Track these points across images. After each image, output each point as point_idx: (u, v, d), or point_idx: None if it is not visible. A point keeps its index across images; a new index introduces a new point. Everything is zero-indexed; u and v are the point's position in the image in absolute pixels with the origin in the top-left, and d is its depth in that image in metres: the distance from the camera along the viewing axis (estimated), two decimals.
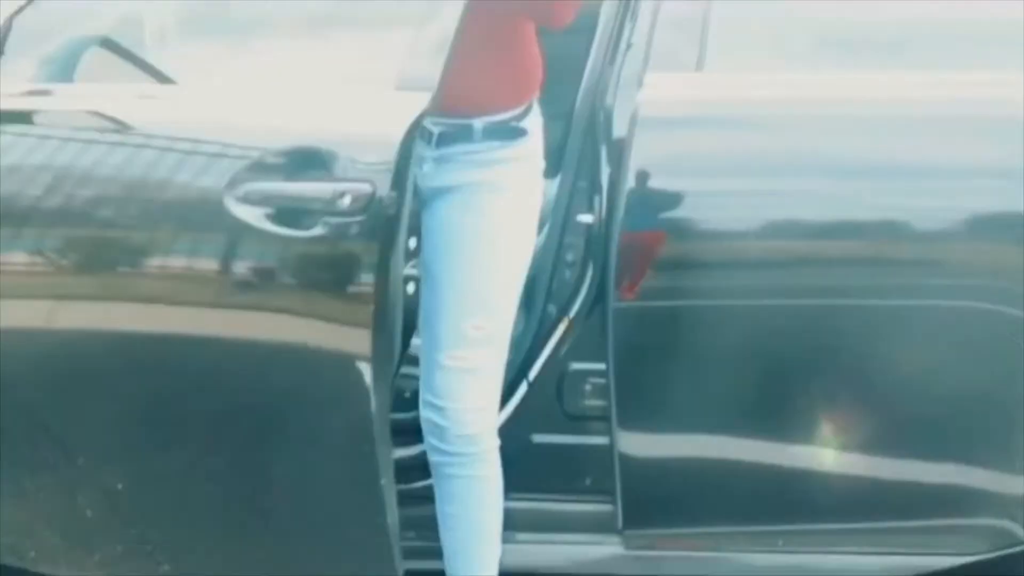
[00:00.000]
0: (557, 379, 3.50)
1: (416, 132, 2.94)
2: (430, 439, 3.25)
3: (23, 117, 3.14)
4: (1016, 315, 3.15)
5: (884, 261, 3.19)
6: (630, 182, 3.20)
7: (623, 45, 3.42)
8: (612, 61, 3.44)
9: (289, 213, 2.92)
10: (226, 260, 2.99)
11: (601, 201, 3.34)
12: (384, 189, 2.87)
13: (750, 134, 3.22)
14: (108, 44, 3.30)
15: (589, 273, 3.43)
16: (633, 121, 3.22)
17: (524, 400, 3.44)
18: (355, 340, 2.91)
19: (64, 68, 3.23)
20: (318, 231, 2.91)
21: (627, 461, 3.29)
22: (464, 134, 3.21)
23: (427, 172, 3.22)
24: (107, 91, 3.18)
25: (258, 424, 3.03)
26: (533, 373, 3.47)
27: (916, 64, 3.27)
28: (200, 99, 3.16)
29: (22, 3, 3.32)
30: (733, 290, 3.21)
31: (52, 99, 3.18)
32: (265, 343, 2.97)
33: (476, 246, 3.19)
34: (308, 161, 2.94)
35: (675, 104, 3.25)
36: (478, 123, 3.20)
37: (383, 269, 2.88)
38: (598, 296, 3.38)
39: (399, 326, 2.98)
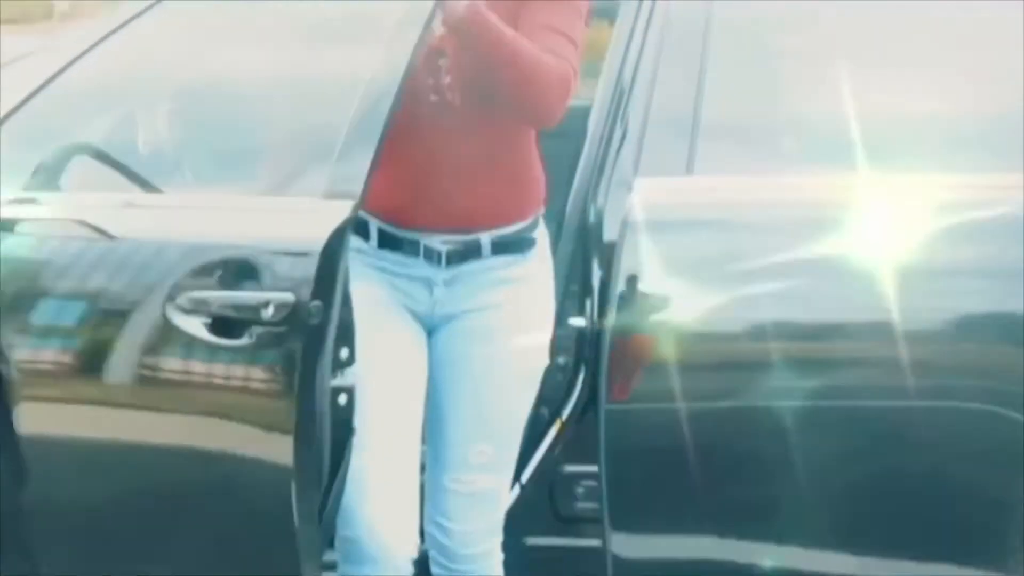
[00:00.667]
0: (550, 481, 3.50)
1: (345, 240, 2.90)
2: (434, 553, 3.23)
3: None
4: (1015, 418, 3.16)
5: (877, 362, 3.21)
6: (621, 285, 3.22)
7: (613, 148, 3.44)
8: (603, 164, 3.46)
9: (220, 322, 2.94)
10: (166, 366, 3.01)
11: (593, 304, 3.36)
12: (307, 298, 2.87)
13: (740, 237, 3.24)
14: (95, 152, 3.32)
15: (581, 376, 3.44)
16: (624, 224, 3.24)
17: (517, 502, 3.44)
18: (278, 450, 2.91)
19: (52, 176, 3.26)
20: (246, 340, 2.92)
21: (620, 563, 3.28)
22: (473, 250, 3.11)
23: (439, 298, 3.12)
24: (76, 200, 3.21)
25: (181, 529, 3.06)
26: (526, 476, 3.47)
27: (905, 165, 3.30)
28: (154, 208, 3.22)
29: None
30: (725, 392, 3.22)
31: (26, 208, 3.21)
32: (195, 450, 3.00)
33: (486, 376, 3.13)
34: (237, 271, 2.96)
35: (665, 208, 3.28)
36: (486, 237, 3.11)
37: (307, 379, 2.88)
38: (590, 398, 3.39)
39: (327, 437, 2.94)
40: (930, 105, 3.46)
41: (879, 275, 3.20)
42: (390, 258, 3.11)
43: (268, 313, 2.88)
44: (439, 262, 3.10)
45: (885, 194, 3.27)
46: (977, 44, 3.51)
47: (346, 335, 2.93)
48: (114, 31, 3.48)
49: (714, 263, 3.22)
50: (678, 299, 3.22)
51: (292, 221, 2.95)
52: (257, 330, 2.91)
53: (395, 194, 3.06)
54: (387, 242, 3.10)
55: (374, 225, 3.09)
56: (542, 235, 3.20)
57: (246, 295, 2.91)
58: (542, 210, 3.19)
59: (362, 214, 3.02)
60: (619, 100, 3.46)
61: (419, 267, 3.10)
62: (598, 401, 3.26)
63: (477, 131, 3.05)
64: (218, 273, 2.97)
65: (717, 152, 3.34)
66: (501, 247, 3.12)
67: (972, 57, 3.49)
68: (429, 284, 3.11)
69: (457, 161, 3.03)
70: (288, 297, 2.87)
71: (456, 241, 3.10)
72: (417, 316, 3.13)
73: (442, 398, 3.15)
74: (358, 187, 2.87)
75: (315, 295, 2.86)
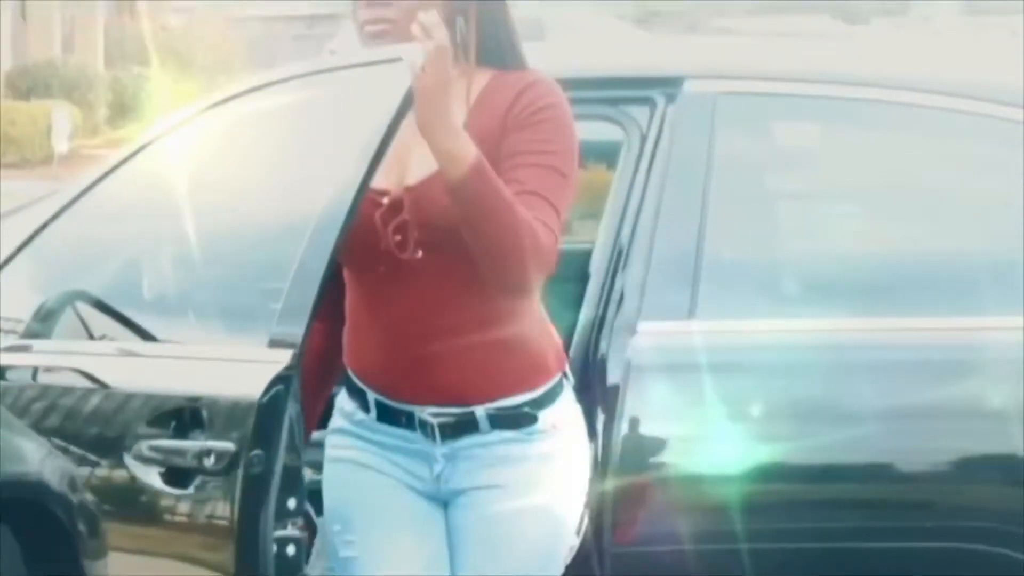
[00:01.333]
0: None
1: (289, 389, 2.83)
2: None
3: None
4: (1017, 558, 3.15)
5: (879, 503, 3.20)
6: (624, 429, 3.21)
7: (616, 293, 3.45)
8: (605, 307, 3.47)
9: (170, 471, 2.96)
10: (123, 509, 3.07)
11: (597, 448, 3.35)
12: (247, 448, 2.84)
13: (743, 381, 3.25)
14: (91, 300, 3.33)
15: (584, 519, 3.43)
16: (627, 368, 3.24)
17: None
18: None
19: (48, 323, 3.28)
20: (191, 490, 2.93)
21: None
22: (468, 425, 2.86)
23: (441, 474, 2.89)
24: (58, 348, 3.27)
25: None
26: None
27: (905, 310, 3.31)
28: (115, 357, 3.24)
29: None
30: (728, 534, 3.20)
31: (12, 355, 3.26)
32: None
33: (496, 560, 2.89)
34: (187, 420, 2.96)
35: (668, 351, 3.28)
36: (481, 411, 2.85)
37: (250, 529, 2.85)
38: (595, 542, 3.37)
39: None
40: (932, 246, 3.49)
41: (881, 417, 3.20)
42: (389, 431, 2.93)
43: (210, 462, 2.87)
44: (433, 438, 2.88)
45: (886, 336, 3.27)
46: (978, 180, 3.54)
47: (293, 484, 2.87)
48: (113, 169, 3.52)
49: (717, 407, 3.21)
50: (681, 443, 3.22)
51: (234, 370, 2.93)
52: (203, 479, 2.90)
53: (381, 362, 2.89)
54: (384, 414, 2.92)
55: (371, 396, 2.93)
56: (565, 407, 2.93)
57: (188, 444, 2.91)
58: (556, 379, 2.93)
59: (360, 383, 2.96)
60: (621, 243, 3.47)
61: (418, 441, 2.90)
62: (602, 544, 3.24)
63: (460, 291, 2.82)
64: (171, 423, 2.97)
65: (719, 295, 3.35)
66: (501, 422, 2.86)
67: (975, 194, 3.52)
68: (428, 459, 2.90)
69: (440, 325, 2.82)
70: (228, 446, 2.86)
71: (449, 414, 2.86)
72: (422, 493, 2.93)
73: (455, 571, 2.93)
74: (299, 334, 2.81)
75: (255, 444, 2.83)
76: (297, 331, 2.81)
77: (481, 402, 2.84)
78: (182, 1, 28.15)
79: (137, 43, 23.48)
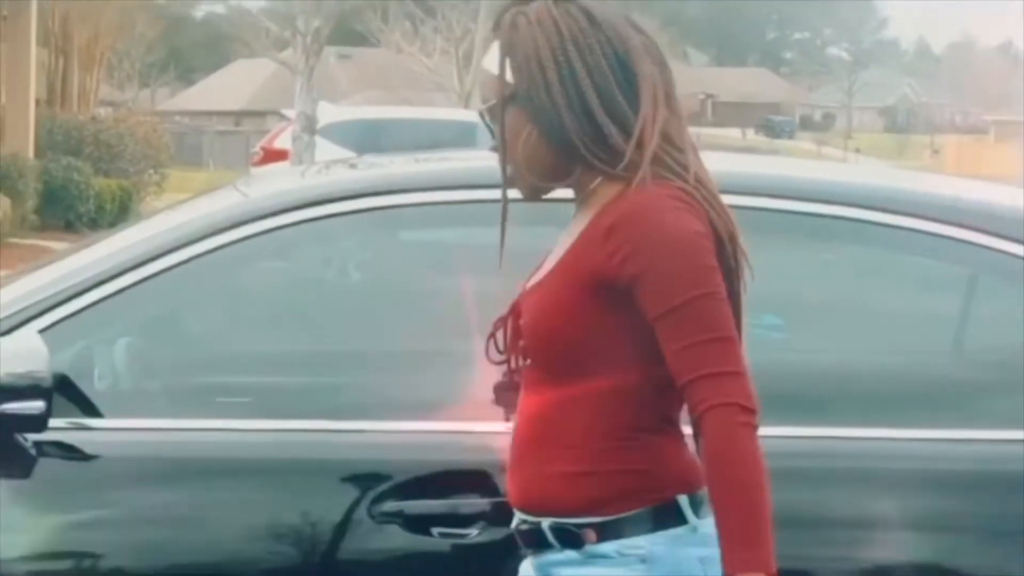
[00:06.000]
0: None
1: None
2: None
3: None
4: None
5: None
6: None
7: None
8: None
9: None
10: None
11: None
12: None
13: None
14: None
15: None
16: None
17: None
18: None
19: None
20: None
21: None
22: (539, 536, 2.74)
23: None
24: None
25: None
26: None
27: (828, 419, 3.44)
28: None
29: None
30: None
31: None
32: None
33: None
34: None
35: None
36: (546, 522, 2.72)
37: None
38: None
39: None
40: (860, 356, 3.65)
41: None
42: None
43: None
44: (520, 544, 2.81)
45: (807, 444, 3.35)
46: (899, 292, 3.72)
47: None
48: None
49: None
50: None
51: None
52: None
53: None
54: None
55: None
56: (651, 538, 2.68)
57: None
58: (645, 510, 2.68)
59: None
60: None
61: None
62: None
63: (545, 402, 2.72)
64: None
65: None
66: (566, 538, 2.71)
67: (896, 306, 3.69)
68: (534, 566, 2.79)
69: (523, 430, 2.76)
70: None
71: (527, 521, 2.77)
72: None
73: None
74: None
75: None
76: None
77: (548, 514, 2.72)
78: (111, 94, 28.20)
79: (66, 134, 23.51)
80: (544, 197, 2.79)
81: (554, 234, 2.79)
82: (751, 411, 2.55)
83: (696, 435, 2.67)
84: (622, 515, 2.66)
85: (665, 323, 2.58)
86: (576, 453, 2.67)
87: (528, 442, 2.74)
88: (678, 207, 2.63)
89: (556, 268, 2.72)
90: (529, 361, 2.75)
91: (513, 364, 2.79)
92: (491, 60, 2.75)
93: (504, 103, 2.72)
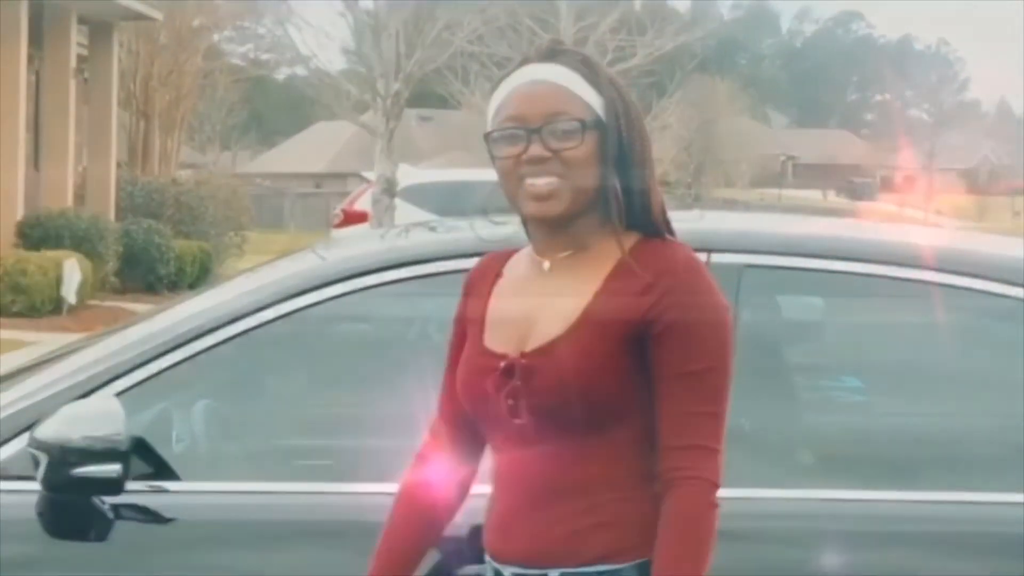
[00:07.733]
0: None
1: None
2: None
3: None
4: None
5: None
6: None
7: None
8: None
9: None
10: None
11: None
12: None
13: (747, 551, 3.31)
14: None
15: None
16: None
17: None
18: None
19: None
20: None
21: None
22: None
23: None
24: None
25: None
26: None
27: (916, 482, 3.43)
28: None
29: None
30: None
31: None
32: None
33: None
34: None
35: None
36: (554, 573, 2.76)
37: None
38: None
39: None
40: (943, 419, 3.61)
41: None
42: None
43: None
44: None
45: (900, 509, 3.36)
46: (979, 355, 3.66)
47: None
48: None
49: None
50: None
51: None
52: None
53: (491, 515, 2.88)
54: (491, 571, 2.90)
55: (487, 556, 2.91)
56: None
57: None
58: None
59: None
60: None
61: None
62: None
63: (555, 456, 2.76)
64: None
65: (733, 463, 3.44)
66: None
67: (976, 369, 3.63)
68: None
69: (527, 485, 2.79)
70: None
71: (526, 574, 2.79)
72: None
73: None
74: None
75: None
76: None
77: (556, 566, 2.75)
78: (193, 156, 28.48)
79: (147, 196, 23.73)
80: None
81: None
82: (717, 489, 2.68)
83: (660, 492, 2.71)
84: (639, 561, 2.71)
85: (676, 383, 2.69)
86: (590, 503, 2.72)
87: (533, 495, 2.76)
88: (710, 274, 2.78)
89: (581, 322, 2.72)
90: (529, 420, 2.75)
91: (516, 423, 2.77)
92: (560, 75, 2.78)
93: (586, 126, 2.76)
